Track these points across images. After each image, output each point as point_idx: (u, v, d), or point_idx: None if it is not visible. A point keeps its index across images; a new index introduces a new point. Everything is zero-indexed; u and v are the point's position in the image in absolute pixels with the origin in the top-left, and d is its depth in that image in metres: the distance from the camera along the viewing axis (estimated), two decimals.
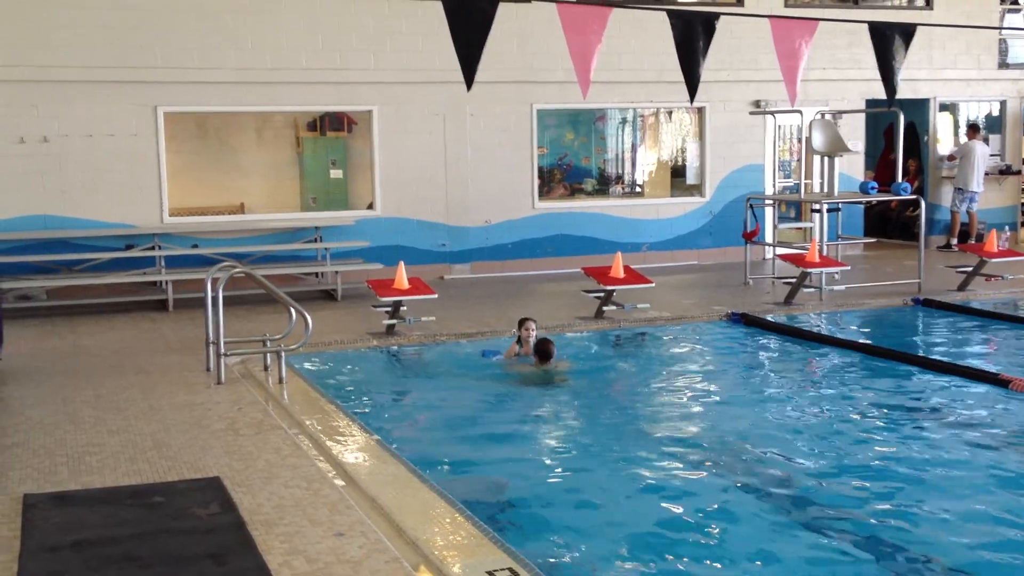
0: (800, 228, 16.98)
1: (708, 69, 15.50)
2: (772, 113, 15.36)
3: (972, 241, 16.90)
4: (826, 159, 14.47)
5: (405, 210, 15.14)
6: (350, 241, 14.41)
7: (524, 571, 4.91)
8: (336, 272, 13.66)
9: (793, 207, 17.26)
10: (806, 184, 15.71)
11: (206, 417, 7.83)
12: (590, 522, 6.05)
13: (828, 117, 15.18)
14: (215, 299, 8.92)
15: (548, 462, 7.20)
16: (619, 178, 17.53)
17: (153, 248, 13.72)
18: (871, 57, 16.89)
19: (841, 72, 16.87)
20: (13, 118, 13.32)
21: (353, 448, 7.05)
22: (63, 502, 5.90)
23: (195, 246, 14.05)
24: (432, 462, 6.90)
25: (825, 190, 16.40)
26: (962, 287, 12.97)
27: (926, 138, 18.34)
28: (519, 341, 9.44)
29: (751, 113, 16.31)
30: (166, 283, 13.12)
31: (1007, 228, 16.93)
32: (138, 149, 13.87)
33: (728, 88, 16.37)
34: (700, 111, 16.55)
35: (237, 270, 9.14)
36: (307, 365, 9.88)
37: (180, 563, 5.00)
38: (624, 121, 17.42)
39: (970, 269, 12.92)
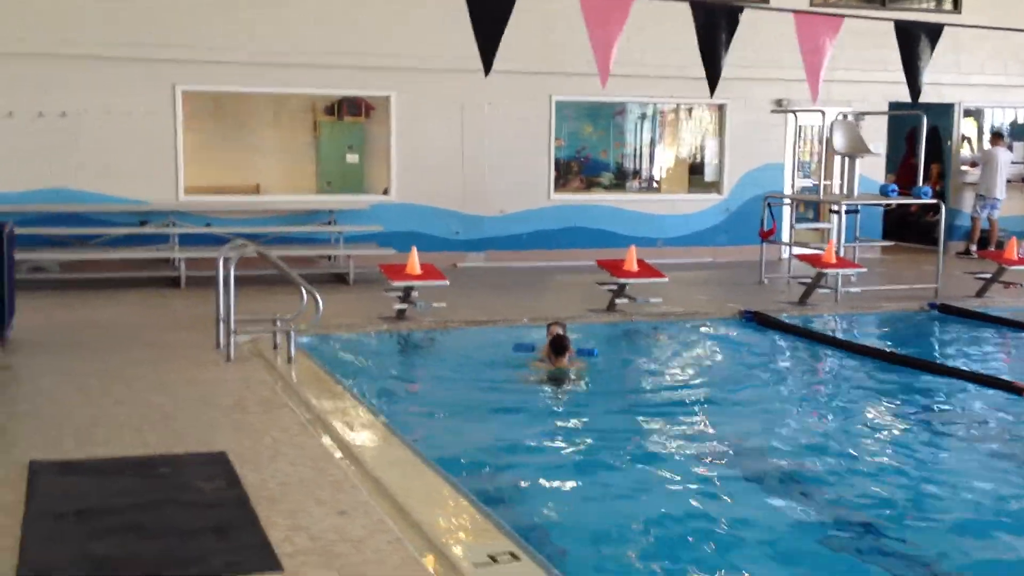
0: (817, 229, 16.89)
1: (730, 66, 15.44)
2: (793, 112, 15.27)
3: (992, 248, 16.78)
4: (846, 160, 14.37)
5: (420, 196, 15.10)
6: (364, 225, 14.38)
7: (525, 556, 4.87)
8: (349, 256, 13.63)
9: (811, 208, 17.17)
10: (825, 185, 15.65)
11: (214, 393, 7.81)
12: (596, 514, 6.02)
13: (850, 118, 15.07)
14: (227, 277, 8.89)
15: (555, 454, 7.13)
16: (636, 173, 17.47)
17: (167, 225, 13.72)
18: (896, 58, 16.78)
19: (865, 73, 16.74)
20: (32, 93, 13.34)
21: (360, 429, 7.01)
22: (68, 470, 5.88)
23: (209, 225, 14.04)
24: (438, 447, 6.85)
25: (844, 191, 16.33)
26: (980, 293, 12.85)
27: (949, 143, 18.20)
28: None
29: (772, 112, 16.21)
30: (179, 260, 13.11)
31: None
32: (155, 127, 13.87)
33: (750, 86, 16.26)
34: (721, 108, 16.46)
35: (249, 249, 9.10)
36: (317, 346, 9.84)
37: (182, 535, 4.97)
38: (643, 116, 17.36)
39: (989, 276, 12.79)
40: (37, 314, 10.88)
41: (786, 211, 15.97)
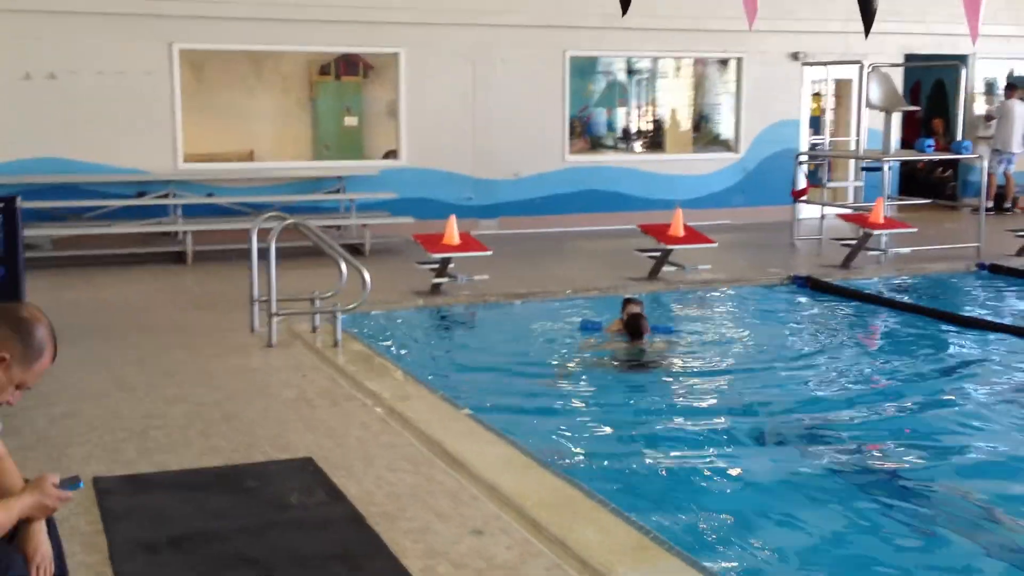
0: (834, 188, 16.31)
1: (743, 18, 14.92)
2: (824, 65, 14.59)
3: (1008, 204, 16.33)
4: (868, 116, 13.79)
5: (430, 160, 14.31)
6: (376, 192, 13.57)
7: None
8: (364, 225, 12.84)
9: (819, 167, 16.61)
10: (839, 142, 15.05)
11: (269, 384, 7.09)
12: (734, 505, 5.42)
13: (868, 71, 14.42)
14: (266, 253, 8.13)
15: (663, 444, 6.48)
16: (645, 132, 16.78)
17: (167, 196, 12.85)
18: (911, 9, 16.31)
19: (880, 24, 16.07)
20: (17, 52, 12.33)
21: (446, 424, 6.27)
22: (142, 486, 5.15)
23: (211, 195, 13.18)
24: (534, 441, 6.14)
25: (861, 148, 15.77)
26: (1022, 252, 12.35)
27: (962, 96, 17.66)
28: (622, 321, 8.49)
29: (804, 64, 15.46)
30: (184, 234, 12.25)
31: None
32: (151, 88, 12.95)
33: (765, 38, 15.59)
34: (737, 62, 15.77)
35: (289, 221, 8.32)
36: (353, 326, 9.08)
37: (305, 565, 4.29)
38: (651, 73, 16.66)
39: None
40: (42, 295, 9.88)
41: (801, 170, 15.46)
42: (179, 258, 12.23)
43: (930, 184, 18.05)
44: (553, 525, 4.73)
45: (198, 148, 13.99)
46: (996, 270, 11.68)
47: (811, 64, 15.39)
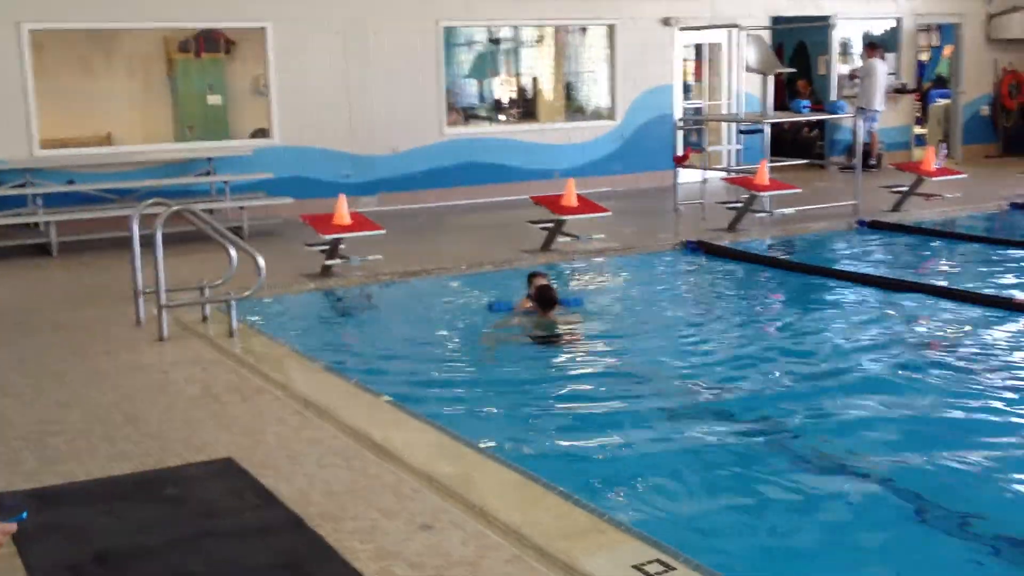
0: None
1: None
2: (698, 29, 14.62)
3: (873, 161, 16.71)
4: (747, 79, 13.88)
5: (304, 138, 13.81)
6: (252, 173, 13.02)
7: (676, 561, 4.07)
8: (241, 208, 12.30)
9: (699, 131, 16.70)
10: (712, 105, 15.14)
11: (169, 381, 6.65)
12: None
13: (745, 35, 14.52)
14: (150, 241, 7.63)
15: (584, 418, 6.30)
16: (521, 102, 16.58)
17: (24, 185, 12.06)
18: None
19: None
20: None
21: (365, 411, 5.98)
22: (52, 501, 4.70)
23: (71, 182, 12.43)
24: (457, 423, 5.89)
25: (734, 111, 15.91)
26: (897, 207, 12.63)
27: (826, 57, 17.99)
28: (529, 297, 8.28)
29: (683, 29, 15.46)
30: (47, 225, 11.51)
31: (944, 145, 16.69)
32: (0, 72, 12.11)
33: (638, 5, 15.55)
34: (610, 29, 15.68)
35: (174, 208, 7.82)
36: (243, 314, 8.64)
37: None
38: (524, 41, 16.46)
39: (905, 189, 12.56)
40: None
41: (679, 135, 15.52)
42: (43, 250, 11.49)
43: (797, 144, 18.36)
44: (502, 513, 4.52)
45: (52, 133, 13.18)
46: (876, 226, 11.90)
47: (686, 29, 15.38)
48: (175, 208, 7.87)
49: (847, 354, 7.45)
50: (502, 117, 16.39)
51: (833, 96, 16.91)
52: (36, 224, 11.80)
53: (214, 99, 15.55)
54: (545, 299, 7.92)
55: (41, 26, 12.41)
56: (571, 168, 15.09)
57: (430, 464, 5.10)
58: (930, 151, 12.84)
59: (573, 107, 16.49)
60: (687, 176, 13.81)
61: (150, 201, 8.19)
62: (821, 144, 18.10)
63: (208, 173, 13.00)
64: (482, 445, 5.43)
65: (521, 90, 16.89)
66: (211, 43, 15.41)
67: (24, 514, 2.88)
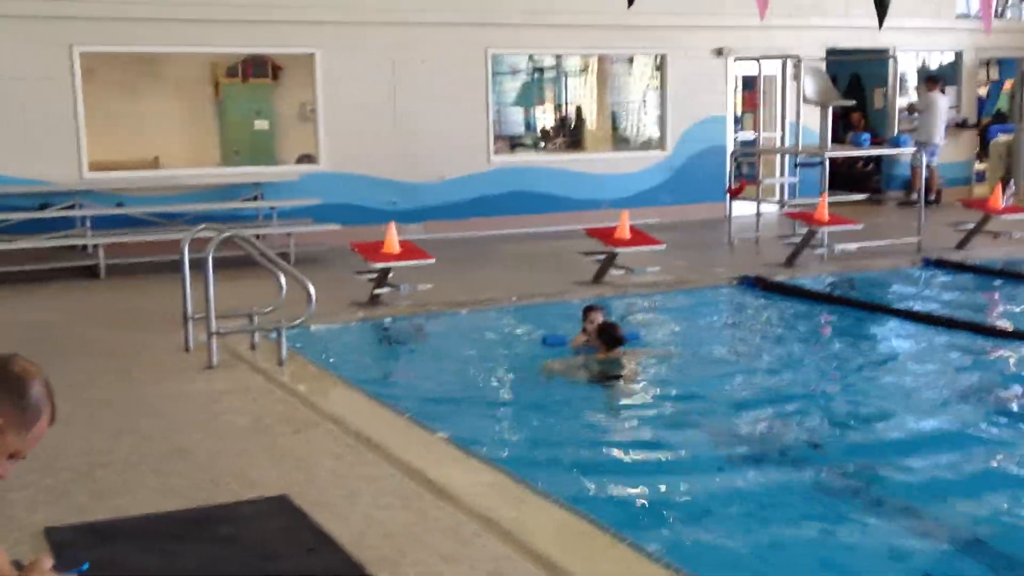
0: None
1: (667, 14, 14.67)
2: (754, 60, 14.41)
3: (932, 197, 16.38)
4: (803, 111, 13.65)
5: (351, 164, 13.72)
6: (299, 199, 12.92)
7: None
8: (289, 234, 12.19)
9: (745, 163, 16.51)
10: (767, 137, 14.91)
11: (219, 411, 6.48)
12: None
13: (802, 65, 14.33)
14: (196, 265, 7.50)
15: (661, 469, 6.05)
16: (567, 131, 16.44)
17: (73, 207, 12.01)
18: (833, 3, 16.27)
19: (804, 19, 16.01)
20: None
21: (420, 448, 5.77)
22: (104, 537, 4.51)
23: (120, 204, 12.39)
24: (519, 465, 5.66)
25: (789, 143, 15.69)
26: (961, 245, 12.29)
27: (883, 90, 17.72)
28: (585, 331, 8.02)
29: (738, 60, 15.26)
30: (95, 247, 11.44)
31: (1012, 182, 16.30)
32: (52, 94, 12.13)
33: (688, 34, 15.37)
34: (661, 59, 15.51)
35: (226, 234, 7.70)
36: (293, 344, 8.46)
37: None
38: (573, 69, 16.34)
39: (971, 227, 12.23)
40: None
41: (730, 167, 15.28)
42: (90, 272, 11.43)
43: (851, 178, 18.04)
44: (569, 563, 4.28)
45: (101, 156, 13.17)
46: (941, 264, 11.58)
47: (740, 60, 15.19)
48: (227, 234, 7.74)
49: (924, 403, 7.17)
50: (547, 146, 16.25)
51: (894, 130, 16.60)
52: (84, 247, 11.74)
53: (261, 124, 15.56)
54: (611, 337, 7.65)
55: (92, 49, 12.40)
56: (619, 199, 14.91)
57: (488, 506, 4.88)
58: (998, 188, 12.49)
59: (619, 136, 16.32)
60: (739, 209, 13.58)
61: (202, 226, 8.09)
62: (877, 178, 17.77)
63: (256, 198, 12.92)
64: (543, 487, 5.21)
65: (566, 119, 16.76)
66: (258, 68, 15.44)
67: (86, 565, 2.70)
